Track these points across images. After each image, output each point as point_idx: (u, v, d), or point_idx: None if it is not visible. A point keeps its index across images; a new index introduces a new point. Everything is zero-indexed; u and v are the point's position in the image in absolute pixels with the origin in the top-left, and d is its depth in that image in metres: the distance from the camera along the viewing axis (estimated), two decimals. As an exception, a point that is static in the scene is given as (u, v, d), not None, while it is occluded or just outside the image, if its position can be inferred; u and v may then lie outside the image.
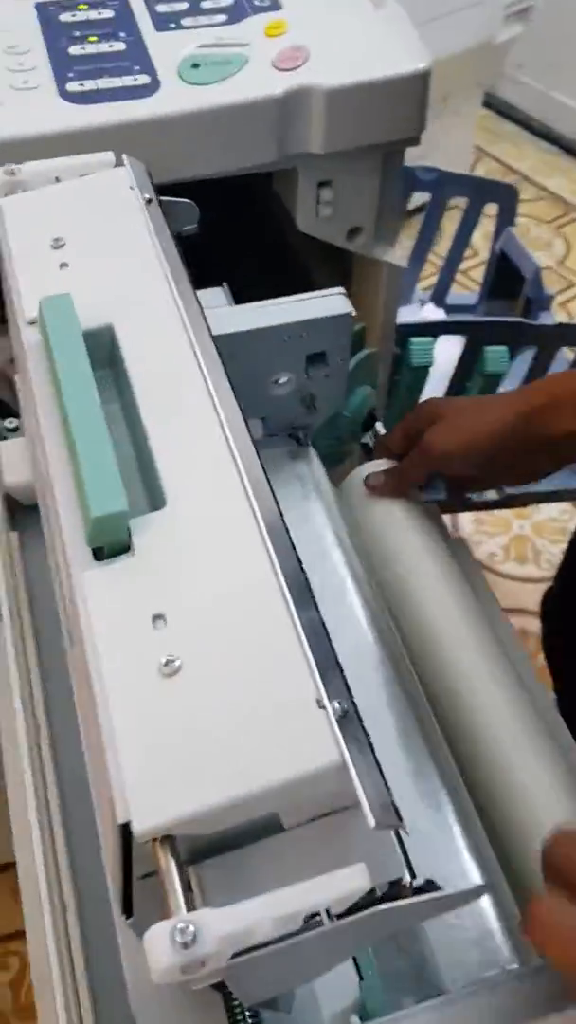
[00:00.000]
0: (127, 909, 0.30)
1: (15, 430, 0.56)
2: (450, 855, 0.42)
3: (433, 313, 1.27)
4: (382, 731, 0.48)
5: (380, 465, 0.64)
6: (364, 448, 0.81)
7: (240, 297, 0.68)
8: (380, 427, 0.78)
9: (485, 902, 0.40)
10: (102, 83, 0.61)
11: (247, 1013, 0.37)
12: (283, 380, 0.63)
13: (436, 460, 0.57)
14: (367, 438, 0.80)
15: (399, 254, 0.77)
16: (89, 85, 0.61)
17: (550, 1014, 0.35)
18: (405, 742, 0.48)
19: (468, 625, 0.52)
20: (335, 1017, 0.40)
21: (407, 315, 1.19)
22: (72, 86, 0.61)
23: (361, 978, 0.42)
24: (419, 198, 1.29)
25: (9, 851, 1.03)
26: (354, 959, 0.42)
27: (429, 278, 1.38)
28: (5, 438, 0.55)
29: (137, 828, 0.26)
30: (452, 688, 0.49)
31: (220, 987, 0.37)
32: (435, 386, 1.02)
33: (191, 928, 0.25)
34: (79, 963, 0.38)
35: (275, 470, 0.62)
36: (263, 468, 0.35)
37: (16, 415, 0.58)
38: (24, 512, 0.54)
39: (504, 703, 0.47)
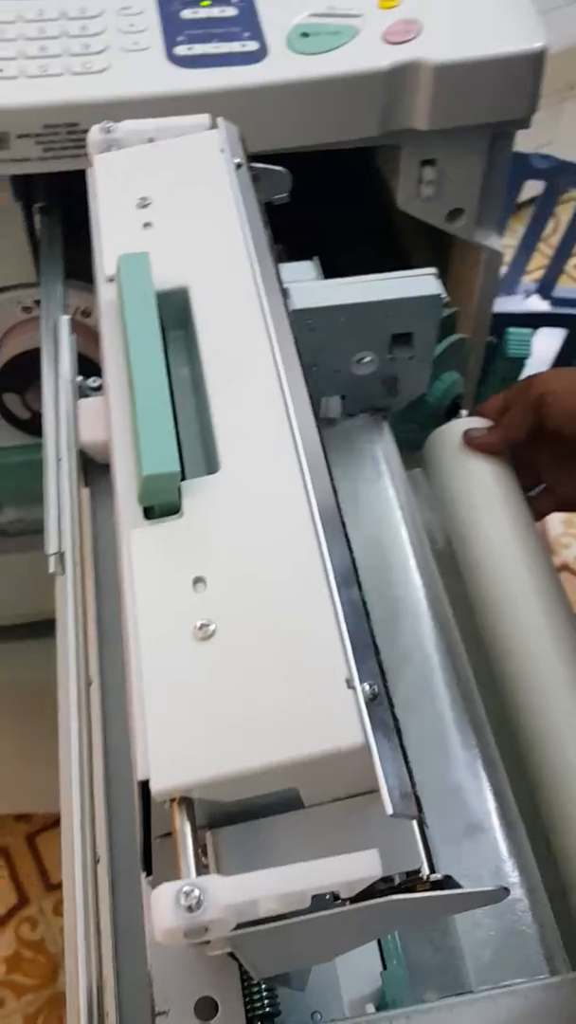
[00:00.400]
0: (147, 866, 0.30)
1: (98, 388, 0.56)
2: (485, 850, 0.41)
3: (538, 305, 1.25)
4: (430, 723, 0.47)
5: (475, 422, 0.63)
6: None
7: (339, 272, 0.67)
8: (464, 415, 0.77)
9: (523, 905, 0.40)
10: (210, 48, 0.61)
11: (263, 986, 0.37)
12: (366, 359, 0.62)
13: (550, 416, 0.57)
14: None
15: (503, 238, 0.76)
16: (197, 49, 0.61)
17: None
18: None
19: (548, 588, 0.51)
20: (352, 1003, 0.40)
21: (511, 305, 1.17)
22: (180, 50, 0.61)
23: (385, 967, 0.42)
24: (534, 188, 1.26)
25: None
26: (380, 948, 0.42)
27: (537, 270, 1.35)
28: (88, 395, 0.56)
29: (155, 787, 0.26)
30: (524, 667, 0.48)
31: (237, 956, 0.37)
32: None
33: (196, 892, 0.25)
34: (105, 915, 0.39)
35: (349, 448, 0.62)
36: (323, 445, 0.35)
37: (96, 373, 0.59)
38: (97, 470, 0.55)
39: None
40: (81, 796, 0.40)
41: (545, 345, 1.03)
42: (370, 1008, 0.38)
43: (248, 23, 0.63)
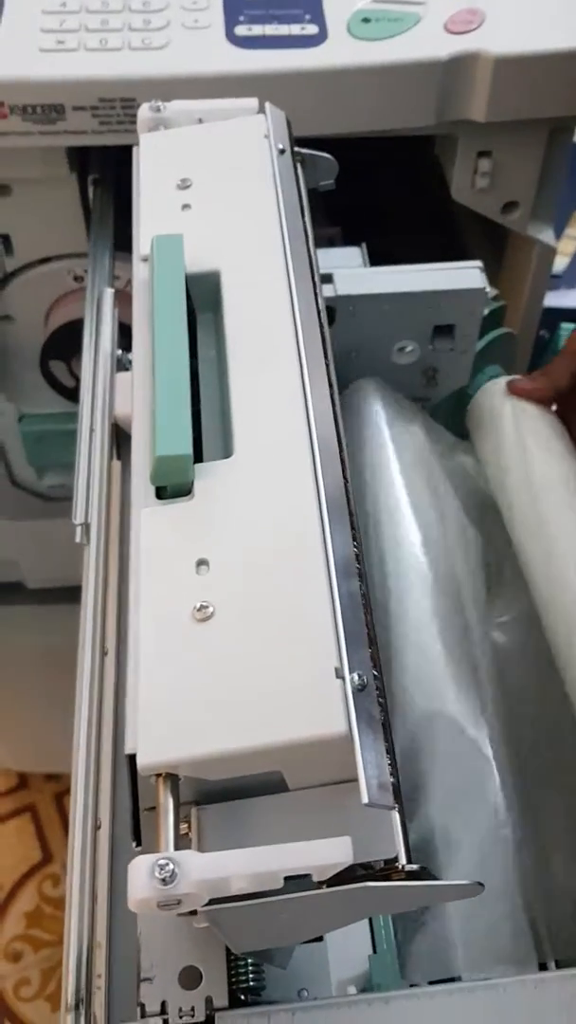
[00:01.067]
0: (136, 836, 0.31)
1: (134, 363, 0.57)
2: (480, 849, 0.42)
3: (595, 300, 1.23)
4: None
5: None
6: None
7: (395, 258, 0.67)
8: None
9: (516, 900, 0.40)
10: (270, 29, 0.61)
11: (248, 961, 0.38)
12: (407, 348, 0.62)
13: None
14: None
15: (561, 235, 0.75)
16: (257, 30, 0.61)
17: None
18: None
19: None
20: (340, 983, 0.41)
21: (563, 299, 1.15)
22: (240, 29, 0.61)
23: (375, 951, 0.42)
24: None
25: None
26: (371, 932, 0.43)
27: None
28: (127, 368, 0.57)
29: (141, 761, 0.27)
30: None
31: (224, 929, 0.38)
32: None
33: (171, 866, 0.25)
34: (102, 879, 0.40)
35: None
36: (339, 436, 0.35)
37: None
38: (128, 444, 0.55)
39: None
40: (87, 763, 0.41)
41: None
42: (352, 990, 0.38)
43: (309, 6, 0.63)
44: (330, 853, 0.26)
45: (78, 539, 0.51)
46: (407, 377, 0.64)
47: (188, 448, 0.32)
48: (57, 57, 0.59)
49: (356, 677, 0.28)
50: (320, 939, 0.41)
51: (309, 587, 0.30)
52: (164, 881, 0.25)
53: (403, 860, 0.28)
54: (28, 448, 0.85)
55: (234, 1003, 0.37)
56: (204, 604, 0.30)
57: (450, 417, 0.69)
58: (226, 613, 0.30)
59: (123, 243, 0.71)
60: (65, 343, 0.78)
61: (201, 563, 0.31)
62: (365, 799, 0.26)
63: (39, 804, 1.39)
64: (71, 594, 1.12)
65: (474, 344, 0.63)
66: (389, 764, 0.28)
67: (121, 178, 0.72)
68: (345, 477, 0.34)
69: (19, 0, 0.62)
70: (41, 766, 1.37)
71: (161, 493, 0.33)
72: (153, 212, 0.42)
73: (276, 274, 0.39)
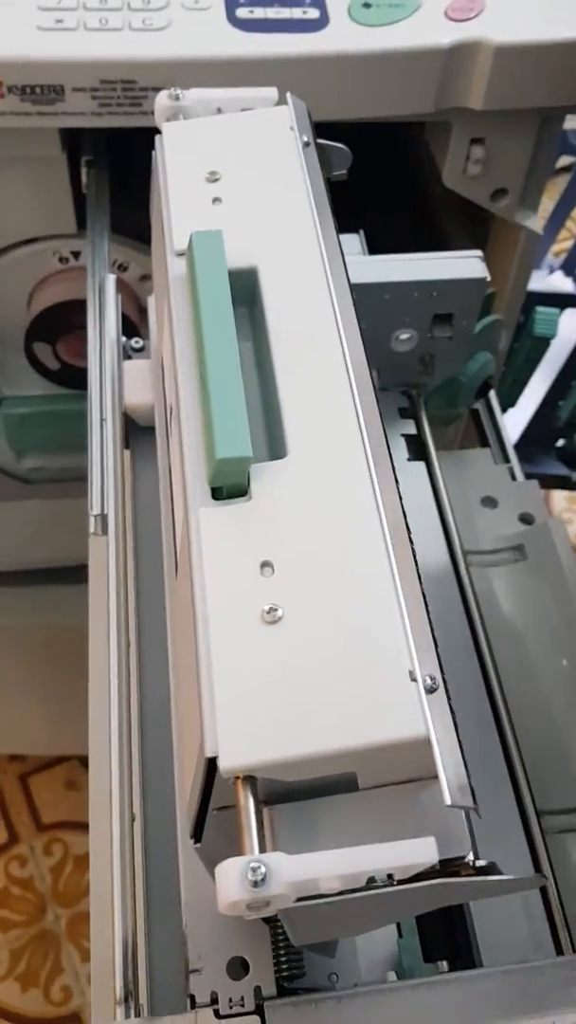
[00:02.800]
0: (197, 835, 0.32)
1: (141, 350, 0.56)
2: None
3: (562, 282, 1.24)
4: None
5: None
6: (473, 415, 0.80)
7: (371, 243, 0.68)
8: (493, 396, 0.78)
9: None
10: (271, 12, 0.61)
11: (289, 949, 0.38)
12: (405, 336, 0.63)
13: None
14: (479, 404, 0.80)
15: (539, 220, 0.76)
16: (258, 13, 0.60)
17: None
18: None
19: None
20: (372, 967, 0.42)
21: (534, 281, 1.16)
22: (242, 12, 0.60)
23: (400, 936, 0.43)
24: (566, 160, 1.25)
25: (62, 745, 1.06)
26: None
27: (565, 240, 1.34)
28: (130, 357, 0.56)
29: (223, 765, 0.28)
30: None
31: (268, 920, 0.38)
32: (550, 362, 1.00)
33: (262, 869, 0.26)
34: (139, 873, 0.40)
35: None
36: (385, 432, 0.35)
37: (139, 334, 0.59)
38: (137, 433, 0.55)
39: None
40: (120, 757, 0.41)
41: (568, 326, 1.03)
42: (391, 975, 0.39)
43: (310, -11, 0.62)
44: (416, 853, 0.26)
45: (92, 530, 0.50)
46: (404, 363, 0.64)
47: (249, 450, 0.32)
48: (57, 36, 0.58)
49: (428, 679, 0.29)
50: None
51: (376, 590, 0.31)
52: (256, 884, 0.26)
53: (471, 856, 0.29)
54: (9, 430, 0.84)
55: (278, 991, 0.38)
56: (273, 607, 0.30)
57: (441, 404, 0.70)
58: (295, 616, 0.30)
59: (113, 225, 0.71)
60: (51, 325, 0.77)
61: (265, 565, 0.31)
62: (448, 800, 0.27)
63: (4, 785, 1.39)
64: (42, 576, 1.11)
65: (471, 332, 0.64)
66: (463, 764, 0.28)
67: (113, 160, 0.71)
68: (395, 476, 0.34)
69: (14, -24, 0.61)
70: (6, 747, 1.36)
71: (216, 493, 0.33)
72: (184, 206, 0.41)
73: (314, 272, 0.39)
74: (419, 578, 0.32)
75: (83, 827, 1.35)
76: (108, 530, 0.49)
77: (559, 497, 1.50)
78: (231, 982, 0.37)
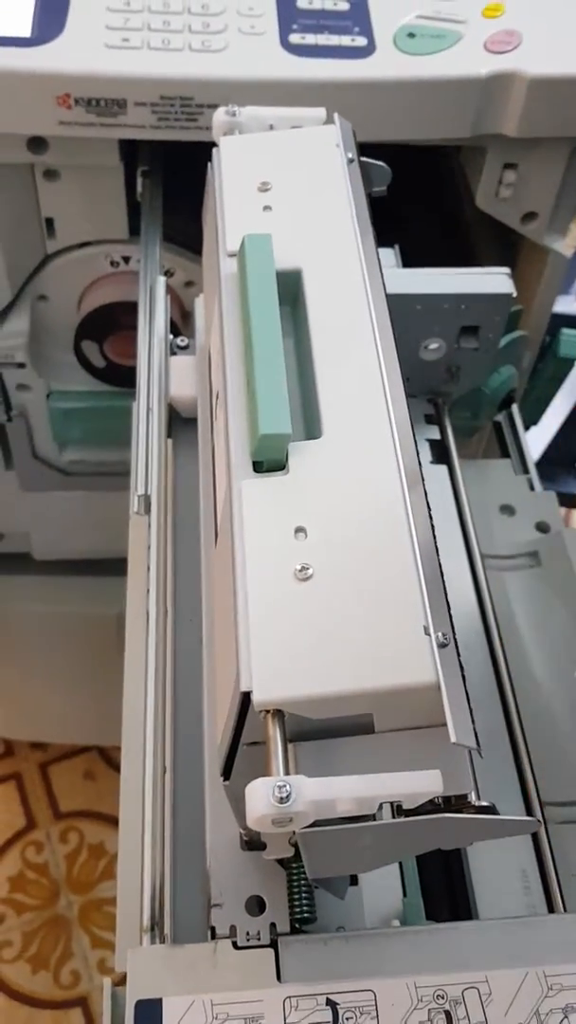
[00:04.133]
0: (227, 772, 0.35)
1: (185, 348, 0.61)
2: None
3: (589, 308, 1.28)
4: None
5: None
6: (496, 429, 0.84)
7: (406, 259, 0.71)
8: (516, 410, 0.81)
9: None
10: (322, 39, 0.65)
11: (304, 893, 0.42)
12: (433, 346, 0.66)
13: None
14: (501, 417, 0.83)
15: (567, 244, 0.80)
16: (310, 39, 0.65)
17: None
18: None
19: None
20: (377, 923, 0.45)
21: (563, 305, 1.20)
22: (294, 38, 0.65)
23: (405, 895, 0.47)
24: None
25: (84, 734, 1.11)
26: (401, 876, 0.47)
27: (592, 273, 1.38)
28: (175, 353, 0.60)
29: (256, 697, 0.31)
30: None
31: (286, 864, 0.42)
32: (574, 383, 1.03)
33: (288, 788, 0.30)
34: (168, 821, 0.44)
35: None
36: (411, 423, 0.39)
37: (183, 335, 0.63)
38: (179, 424, 0.59)
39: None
40: (156, 712, 0.45)
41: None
42: (395, 923, 0.43)
43: (359, 19, 0.66)
44: (424, 783, 0.30)
45: (135, 509, 0.54)
46: (431, 372, 0.68)
47: (288, 428, 0.36)
48: (122, 54, 0.63)
49: (440, 635, 0.33)
50: (356, 883, 0.45)
51: (397, 555, 0.34)
52: (281, 800, 0.29)
53: (473, 796, 0.33)
54: (54, 423, 0.88)
55: (291, 931, 0.41)
56: (305, 566, 0.34)
57: (465, 415, 0.73)
58: (325, 575, 0.34)
59: (164, 234, 0.75)
60: (99, 325, 0.81)
61: (299, 530, 0.35)
62: (453, 738, 0.31)
63: (24, 772, 1.42)
64: (75, 567, 1.15)
65: (497, 345, 0.68)
66: (469, 711, 0.32)
67: (167, 171, 0.75)
68: (419, 459, 0.38)
69: (84, -2, 0.65)
70: (29, 734, 1.40)
71: (257, 467, 0.37)
72: (237, 212, 0.45)
73: (353, 275, 0.43)
74: (436, 550, 0.36)
75: (99, 816, 1.39)
76: (151, 510, 0.53)
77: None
78: (249, 918, 0.40)
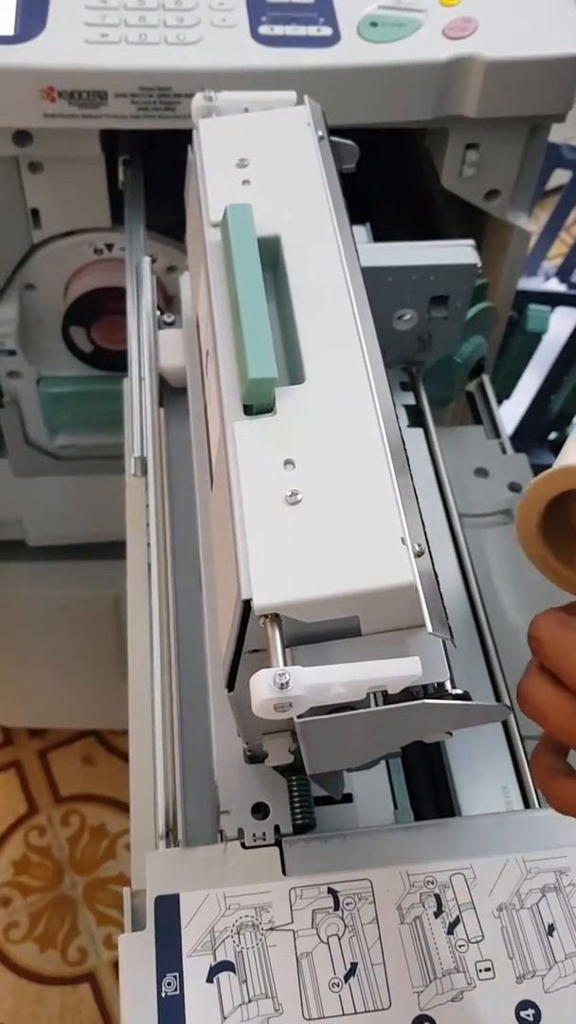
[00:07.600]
0: (231, 682, 0.39)
1: (172, 323, 0.65)
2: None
3: (556, 288, 1.33)
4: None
5: None
6: (469, 400, 0.88)
7: (378, 236, 0.76)
8: (486, 379, 0.86)
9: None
10: (290, 30, 0.69)
11: (302, 802, 0.46)
12: (407, 316, 0.70)
13: None
14: (472, 386, 0.88)
15: (530, 222, 0.84)
16: (278, 30, 0.69)
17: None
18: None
19: None
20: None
21: (531, 285, 1.24)
22: (264, 29, 0.69)
23: (396, 807, 0.51)
24: (561, 177, 1.33)
25: (83, 719, 1.15)
26: (392, 791, 0.51)
27: (558, 256, 1.43)
28: (162, 328, 0.65)
29: (256, 603, 0.35)
30: None
31: (286, 773, 0.46)
32: (543, 358, 1.08)
33: (287, 676, 0.34)
34: (177, 741, 0.48)
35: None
36: (384, 365, 0.43)
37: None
38: (169, 394, 0.63)
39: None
40: (164, 649, 0.49)
41: (560, 325, 1.11)
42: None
43: (324, 10, 0.71)
44: (406, 667, 0.34)
45: (132, 471, 0.58)
46: (405, 342, 0.72)
47: (275, 372, 0.40)
48: (102, 49, 0.67)
49: (416, 545, 0.37)
50: (350, 800, 0.50)
51: (376, 480, 0.38)
52: (282, 687, 0.33)
53: (449, 685, 0.37)
54: (45, 408, 0.92)
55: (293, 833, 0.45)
56: (294, 492, 0.38)
57: (437, 381, 0.78)
58: (312, 499, 0.38)
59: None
60: (86, 311, 0.85)
61: (288, 462, 0.39)
62: (429, 628, 0.35)
63: (24, 760, 1.46)
64: (69, 552, 1.18)
65: (464, 314, 0.72)
66: (443, 608, 0.36)
67: (145, 166, 0.79)
68: (392, 397, 0.42)
69: (62, -3, 0.69)
70: (28, 721, 1.43)
71: (248, 410, 0.41)
72: (217, 186, 0.49)
73: (327, 239, 0.47)
74: (411, 476, 0.40)
75: (99, 799, 1.42)
76: (147, 471, 0.57)
77: None
78: (255, 821, 0.45)
